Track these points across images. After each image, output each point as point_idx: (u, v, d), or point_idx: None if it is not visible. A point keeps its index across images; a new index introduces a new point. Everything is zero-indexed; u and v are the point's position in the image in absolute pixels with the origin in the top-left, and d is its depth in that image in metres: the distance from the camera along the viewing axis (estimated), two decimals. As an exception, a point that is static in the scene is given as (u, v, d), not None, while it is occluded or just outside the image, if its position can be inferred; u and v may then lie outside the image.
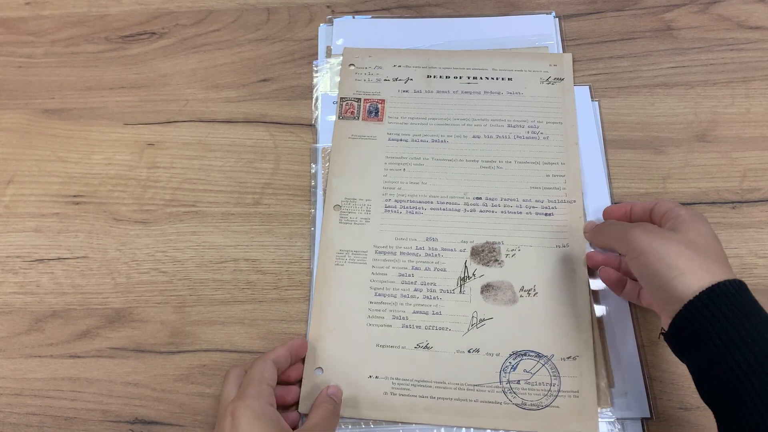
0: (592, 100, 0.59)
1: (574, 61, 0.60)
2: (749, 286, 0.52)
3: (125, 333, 0.52)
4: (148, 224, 0.56)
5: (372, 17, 0.63)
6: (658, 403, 0.48)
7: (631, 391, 0.48)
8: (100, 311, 0.53)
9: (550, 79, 0.59)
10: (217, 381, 0.51)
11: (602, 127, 0.58)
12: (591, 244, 0.52)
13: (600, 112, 0.58)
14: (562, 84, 0.58)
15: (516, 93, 0.58)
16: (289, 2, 0.64)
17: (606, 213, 0.52)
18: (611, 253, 0.51)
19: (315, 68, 0.61)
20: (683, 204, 0.54)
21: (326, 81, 0.61)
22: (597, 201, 0.54)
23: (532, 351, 0.49)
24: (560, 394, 0.47)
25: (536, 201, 0.54)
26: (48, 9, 0.65)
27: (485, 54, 0.61)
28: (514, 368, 0.48)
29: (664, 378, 0.47)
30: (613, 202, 0.54)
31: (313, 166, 0.57)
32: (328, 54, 0.62)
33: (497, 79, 0.59)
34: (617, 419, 0.47)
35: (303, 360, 0.50)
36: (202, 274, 0.54)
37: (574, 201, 0.53)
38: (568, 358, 0.48)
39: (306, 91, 0.60)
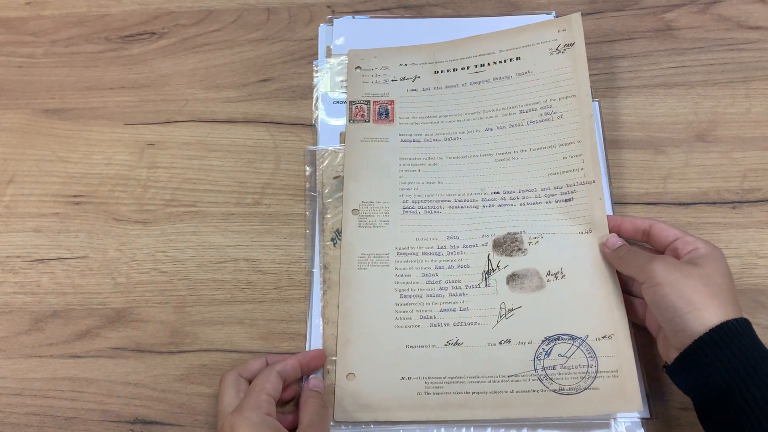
0: (593, 100, 0.58)
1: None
2: (749, 286, 0.52)
3: (125, 333, 0.52)
4: (148, 224, 0.56)
5: (372, 17, 0.63)
6: (658, 403, 0.48)
7: (631, 391, 0.48)
8: (100, 311, 0.53)
9: (559, 48, 0.56)
10: (217, 381, 0.51)
11: (602, 127, 0.58)
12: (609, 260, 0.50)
13: (600, 112, 0.58)
14: (572, 50, 0.56)
15: (525, 73, 0.57)
16: (289, 2, 0.64)
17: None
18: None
19: (315, 68, 0.61)
20: (684, 205, 0.55)
21: (326, 81, 0.60)
22: (597, 201, 0.54)
23: (565, 334, 0.48)
24: (599, 375, 0.46)
25: (555, 188, 0.52)
26: (48, 9, 0.65)
27: (490, 36, 0.59)
28: (548, 354, 0.47)
29: (664, 378, 0.47)
30: (613, 203, 0.54)
31: (308, 168, 0.57)
32: (328, 54, 0.62)
33: (505, 61, 0.58)
34: (617, 419, 0.47)
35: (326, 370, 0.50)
36: (202, 274, 0.54)
37: (593, 181, 0.51)
38: (604, 337, 0.47)
39: (306, 91, 0.60)
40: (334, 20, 0.63)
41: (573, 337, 0.47)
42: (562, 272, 0.50)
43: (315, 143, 0.58)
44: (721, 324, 0.40)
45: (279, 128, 0.59)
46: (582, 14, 0.58)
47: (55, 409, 0.50)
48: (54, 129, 0.60)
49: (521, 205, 0.53)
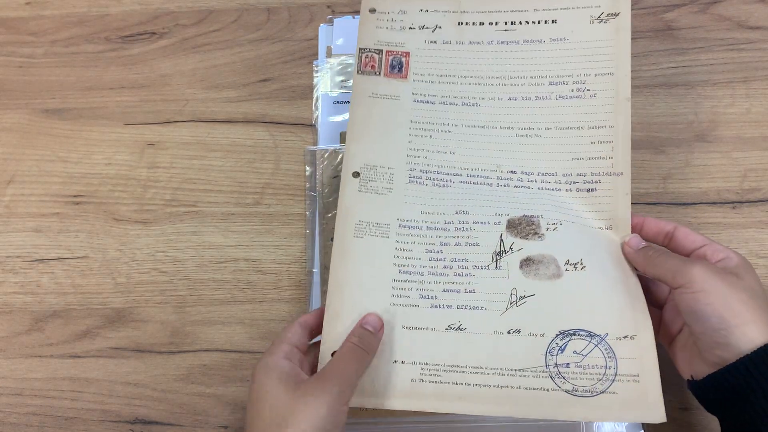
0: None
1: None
2: (749, 286, 0.51)
3: (125, 333, 0.52)
4: (148, 224, 0.56)
5: (372, 17, 0.63)
6: (658, 403, 0.48)
7: (632, 392, 0.47)
8: (100, 311, 0.53)
9: (602, 16, 0.51)
10: (217, 381, 0.51)
11: (602, 127, 0.57)
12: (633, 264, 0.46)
13: (600, 112, 0.58)
14: (616, 21, 0.50)
15: (560, 39, 0.51)
16: (289, 2, 0.64)
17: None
18: None
19: (315, 68, 0.61)
20: (684, 205, 0.55)
21: (326, 81, 0.60)
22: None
23: (582, 330, 0.44)
24: (617, 378, 0.42)
25: (578, 174, 0.48)
26: (48, 9, 0.65)
27: None
28: (562, 350, 0.43)
29: (664, 378, 0.47)
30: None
31: (308, 168, 0.57)
32: (329, 54, 0.62)
33: (539, 22, 0.51)
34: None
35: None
36: (202, 274, 0.54)
37: (621, 174, 0.47)
38: (625, 337, 0.43)
39: (306, 91, 0.60)
40: (334, 20, 0.63)
41: (591, 334, 0.43)
42: (581, 263, 0.45)
43: (315, 143, 0.58)
44: None
45: (279, 128, 0.59)
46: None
47: (55, 409, 0.50)
48: (54, 129, 0.60)
49: (539, 189, 0.48)
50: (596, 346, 0.43)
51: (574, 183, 0.48)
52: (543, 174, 0.48)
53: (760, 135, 0.57)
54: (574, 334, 0.44)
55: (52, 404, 0.51)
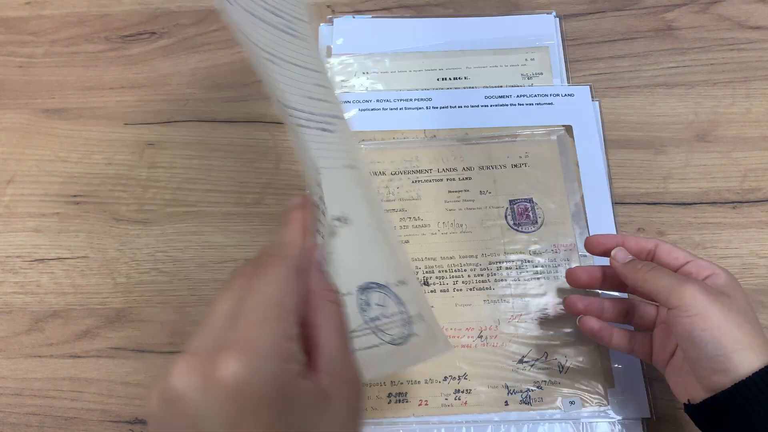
0: (593, 100, 0.58)
1: (574, 61, 0.60)
2: (749, 286, 0.52)
3: (125, 333, 0.52)
4: (148, 224, 0.56)
5: (372, 17, 0.63)
6: (658, 403, 0.48)
7: (630, 391, 0.48)
8: (100, 311, 0.53)
9: None
10: (218, 381, 0.51)
11: (603, 126, 0.57)
12: (623, 276, 0.44)
13: (600, 112, 0.58)
14: None
15: None
16: (289, 2, 0.64)
17: (593, 243, 0.46)
18: (592, 299, 0.47)
19: (315, 68, 0.61)
20: (684, 205, 0.55)
21: (326, 81, 0.60)
22: (597, 201, 0.54)
23: (372, 282, 0.44)
24: (412, 320, 0.43)
25: (318, 113, 0.45)
26: (48, 9, 0.65)
27: None
28: (368, 304, 0.44)
29: (664, 378, 0.47)
30: (614, 202, 0.54)
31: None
32: (329, 54, 0.62)
33: None
34: (617, 420, 0.47)
35: None
36: (203, 274, 0.54)
37: (343, 118, 0.45)
38: (400, 282, 0.44)
39: (306, 91, 0.60)
40: (335, 20, 0.63)
41: (379, 285, 0.44)
42: (345, 218, 0.45)
43: (315, 143, 0.58)
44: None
45: (279, 128, 0.59)
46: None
47: (55, 409, 0.50)
48: (54, 129, 0.60)
49: (297, 125, 0.43)
50: (386, 295, 0.44)
51: (316, 123, 0.45)
52: (292, 108, 0.43)
53: (760, 135, 0.57)
54: (368, 288, 0.44)
55: (52, 404, 0.51)
